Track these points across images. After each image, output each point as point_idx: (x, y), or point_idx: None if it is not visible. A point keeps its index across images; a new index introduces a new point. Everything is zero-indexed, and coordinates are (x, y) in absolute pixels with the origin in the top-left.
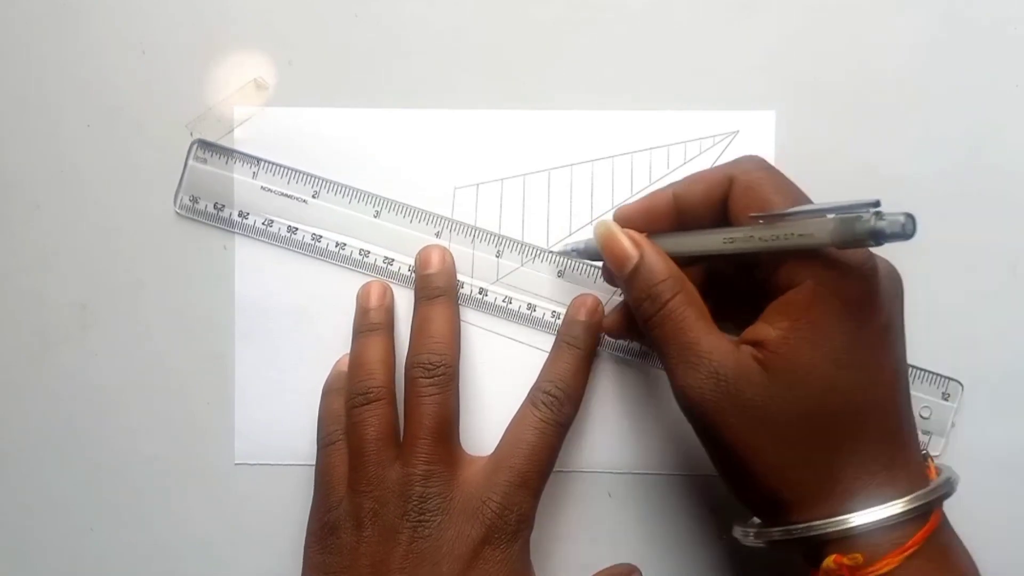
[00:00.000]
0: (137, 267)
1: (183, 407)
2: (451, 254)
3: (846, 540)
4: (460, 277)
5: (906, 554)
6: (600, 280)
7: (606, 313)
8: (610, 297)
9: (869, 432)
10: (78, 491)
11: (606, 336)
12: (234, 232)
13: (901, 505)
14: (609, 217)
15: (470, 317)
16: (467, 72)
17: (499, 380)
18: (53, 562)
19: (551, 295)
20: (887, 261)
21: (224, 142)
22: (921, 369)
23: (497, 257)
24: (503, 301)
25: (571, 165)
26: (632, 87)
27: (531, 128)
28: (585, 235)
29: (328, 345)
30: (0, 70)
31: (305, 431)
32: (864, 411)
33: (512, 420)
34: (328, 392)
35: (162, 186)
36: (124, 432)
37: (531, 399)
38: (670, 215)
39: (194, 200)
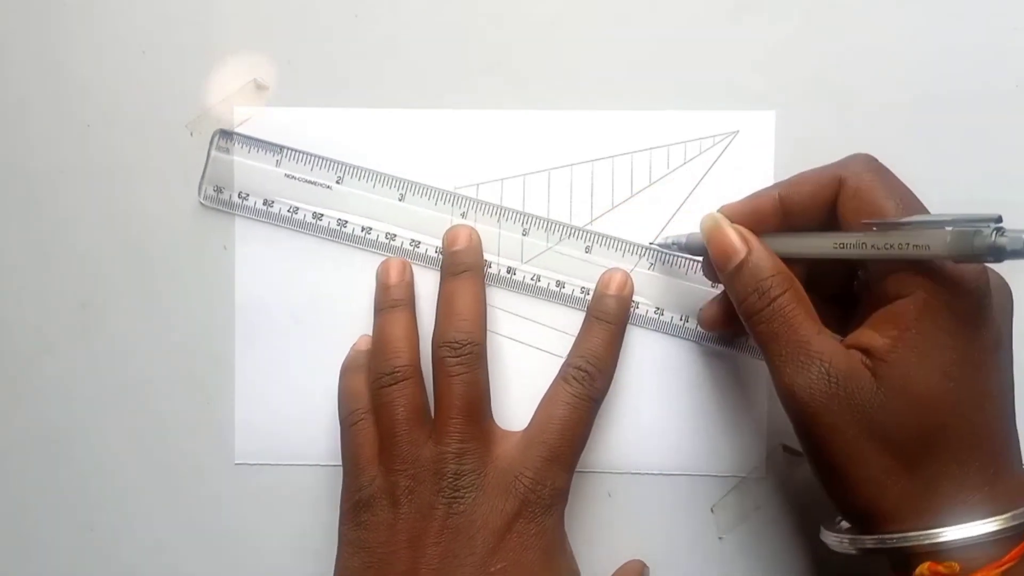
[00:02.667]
0: (137, 267)
1: (183, 407)
2: (478, 233)
3: (939, 552)
4: (488, 257)
5: (1002, 569)
6: (627, 255)
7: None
8: (633, 268)
9: (976, 448)
10: (78, 490)
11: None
12: (260, 221)
13: (1000, 523)
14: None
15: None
16: (467, 72)
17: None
18: (53, 562)
19: (579, 272)
20: (999, 275)
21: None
22: None
23: (524, 236)
24: (532, 279)
25: (571, 165)
26: (632, 87)
27: (531, 128)
28: (685, 229)
29: (328, 344)
30: (0, 70)
31: (305, 431)
32: (970, 426)
33: (544, 396)
34: (347, 371)
35: (162, 186)
36: (124, 432)
37: (563, 374)
38: (776, 215)
39: (218, 190)
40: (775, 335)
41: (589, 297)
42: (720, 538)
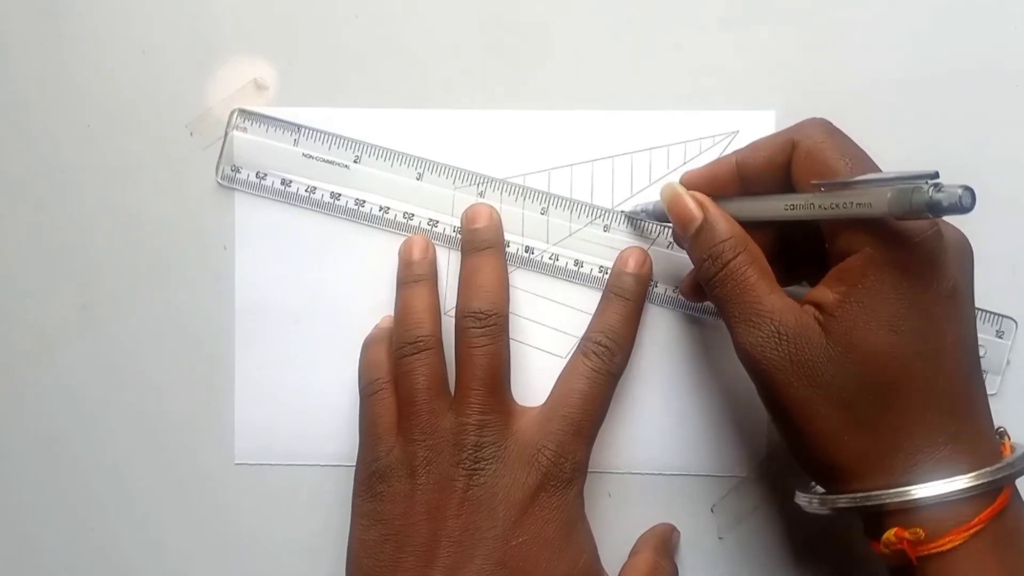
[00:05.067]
0: (137, 267)
1: (183, 407)
2: (498, 212)
3: (909, 513)
4: (507, 236)
5: (970, 532)
6: (646, 233)
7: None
8: (648, 247)
9: (932, 402)
10: (78, 491)
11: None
12: (277, 201)
13: (965, 480)
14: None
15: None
16: (467, 72)
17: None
18: (53, 562)
19: (598, 251)
20: (957, 230)
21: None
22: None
23: (543, 215)
24: (551, 259)
25: (571, 165)
26: (632, 87)
27: (531, 128)
28: (654, 196)
29: (328, 344)
30: (0, 70)
31: (305, 431)
32: (926, 380)
33: (563, 370)
34: (370, 343)
35: (163, 186)
36: (124, 432)
37: (582, 349)
38: (734, 181)
39: (235, 170)
40: (729, 297)
41: (607, 276)
42: (720, 538)
